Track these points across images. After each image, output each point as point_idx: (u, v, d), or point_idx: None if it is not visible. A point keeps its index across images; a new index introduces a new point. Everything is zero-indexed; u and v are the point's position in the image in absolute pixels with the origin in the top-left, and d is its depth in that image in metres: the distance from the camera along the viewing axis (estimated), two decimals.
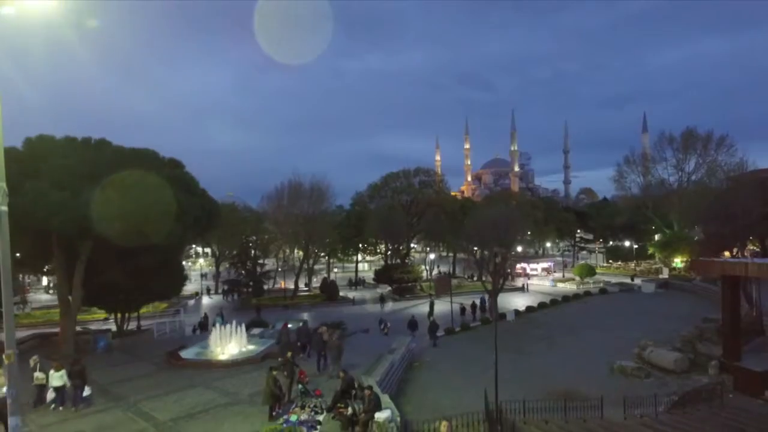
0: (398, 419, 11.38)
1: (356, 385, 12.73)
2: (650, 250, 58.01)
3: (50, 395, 14.05)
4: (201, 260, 72.30)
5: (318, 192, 50.69)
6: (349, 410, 11.40)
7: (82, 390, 14.08)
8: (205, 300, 52.92)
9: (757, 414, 16.65)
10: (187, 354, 20.92)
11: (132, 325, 28.97)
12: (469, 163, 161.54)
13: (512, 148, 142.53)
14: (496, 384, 14.22)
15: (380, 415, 10.92)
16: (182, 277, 29.30)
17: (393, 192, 65.04)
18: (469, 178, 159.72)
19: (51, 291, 51.24)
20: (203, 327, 30.89)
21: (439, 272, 65.31)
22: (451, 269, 65.69)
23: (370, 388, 11.61)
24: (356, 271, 67.84)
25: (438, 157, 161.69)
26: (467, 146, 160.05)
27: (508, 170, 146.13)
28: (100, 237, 20.98)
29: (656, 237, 61.98)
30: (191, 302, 49.79)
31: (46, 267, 29.43)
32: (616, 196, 67.29)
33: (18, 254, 24.48)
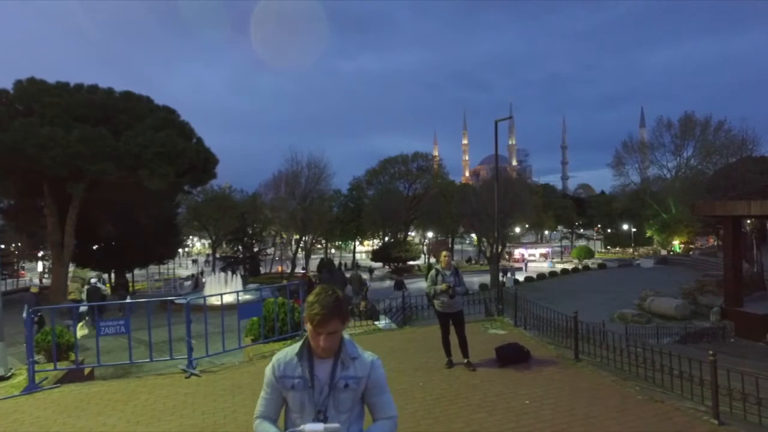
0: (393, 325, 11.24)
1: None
2: (648, 233, 57.76)
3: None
4: (197, 244, 71.77)
5: (315, 170, 50.22)
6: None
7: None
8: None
9: (758, 348, 16.44)
10: (180, 301, 20.62)
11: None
12: (467, 158, 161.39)
13: (510, 142, 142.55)
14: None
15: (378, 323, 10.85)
16: (178, 239, 28.98)
17: (391, 177, 64.82)
18: (468, 174, 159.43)
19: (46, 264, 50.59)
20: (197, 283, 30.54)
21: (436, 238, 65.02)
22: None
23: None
24: (354, 255, 67.44)
25: (436, 153, 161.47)
26: (465, 142, 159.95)
27: (507, 165, 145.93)
28: (94, 180, 20.65)
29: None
30: (188, 283, 49.45)
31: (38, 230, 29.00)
32: (614, 187, 67.29)
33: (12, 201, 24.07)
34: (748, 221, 38.21)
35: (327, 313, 1.97)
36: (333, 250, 71.42)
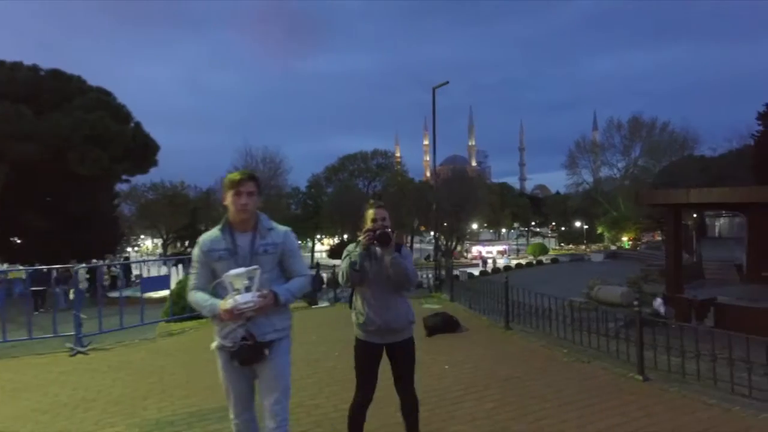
0: None
1: None
2: (599, 230, 59.67)
3: None
4: (148, 243, 68.57)
5: (271, 165, 48.85)
6: None
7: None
8: None
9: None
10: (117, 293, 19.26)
11: None
12: (427, 159, 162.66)
13: (470, 143, 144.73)
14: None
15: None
16: (116, 232, 27.19)
17: (350, 174, 64.11)
18: (428, 174, 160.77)
19: None
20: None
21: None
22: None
23: None
24: (312, 253, 66.27)
25: (398, 154, 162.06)
26: (426, 142, 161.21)
27: (467, 166, 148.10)
28: (17, 164, 18.96)
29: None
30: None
31: None
32: (567, 186, 69.25)
33: None
34: (691, 218, 40.07)
35: (246, 176, 2.37)
36: None
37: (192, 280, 2.43)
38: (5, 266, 21.61)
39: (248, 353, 2.30)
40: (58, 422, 3.87)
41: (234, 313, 2.18)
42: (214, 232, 2.43)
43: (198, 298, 2.37)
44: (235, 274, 2.20)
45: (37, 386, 4.82)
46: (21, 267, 22.11)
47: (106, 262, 17.72)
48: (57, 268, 9.79)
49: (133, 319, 7.25)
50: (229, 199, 2.34)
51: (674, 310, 19.92)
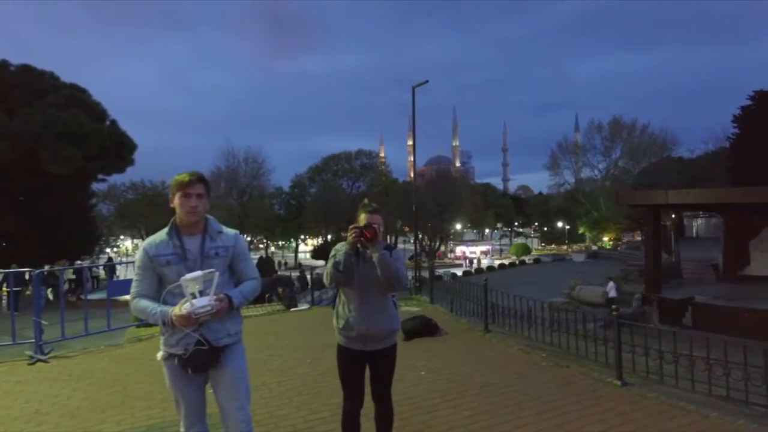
0: None
1: None
2: (581, 231, 60.40)
3: None
4: (128, 243, 67.24)
5: (254, 165, 48.16)
6: None
7: None
8: None
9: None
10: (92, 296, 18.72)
11: None
12: (412, 159, 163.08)
13: (454, 144, 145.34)
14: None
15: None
16: (93, 232, 26.46)
17: (334, 175, 63.71)
18: (413, 174, 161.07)
19: None
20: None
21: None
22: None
23: None
24: (296, 254, 65.78)
25: (383, 154, 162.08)
26: (410, 143, 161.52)
27: (451, 166, 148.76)
28: None
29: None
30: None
31: None
32: (550, 187, 69.98)
33: None
34: (669, 218, 40.83)
35: (194, 178, 2.24)
36: (272, 249, 69.26)
37: (135, 288, 2.27)
38: None
39: (204, 359, 2.23)
40: None
41: (191, 318, 2.10)
42: (160, 235, 2.30)
43: (144, 305, 2.23)
44: (191, 278, 2.12)
45: None
46: None
47: (63, 264, 17.15)
48: (29, 271, 9.41)
49: (100, 324, 6.96)
50: (176, 201, 2.24)
51: (651, 309, 20.24)
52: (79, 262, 23.41)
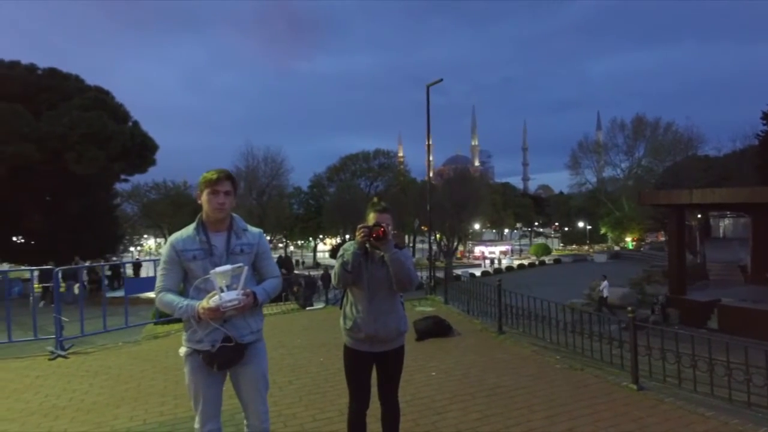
0: None
1: None
2: (603, 230, 59.23)
3: None
4: (151, 242, 68.70)
5: (273, 165, 48.60)
6: None
7: None
8: None
9: (700, 334, 16.62)
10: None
11: None
12: (431, 158, 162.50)
13: (473, 143, 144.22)
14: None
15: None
16: (116, 231, 27.08)
17: (352, 175, 63.86)
18: (431, 174, 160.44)
19: None
20: None
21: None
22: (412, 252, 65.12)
23: None
24: (315, 253, 66.20)
25: (401, 154, 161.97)
26: (428, 142, 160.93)
27: (470, 166, 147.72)
28: (15, 164, 18.84)
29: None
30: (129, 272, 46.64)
31: None
32: (570, 186, 68.82)
33: None
34: (695, 218, 39.78)
35: (222, 175, 2.30)
36: (292, 248, 69.83)
37: (160, 282, 2.31)
38: (6, 266, 21.63)
39: (230, 355, 2.27)
40: None
41: (219, 311, 2.13)
42: (187, 231, 2.35)
43: (170, 299, 2.26)
44: (221, 271, 2.15)
45: (11, 392, 4.66)
46: (25, 267, 22.05)
47: (76, 262, 17.59)
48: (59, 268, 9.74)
49: (119, 321, 7.11)
50: (204, 197, 2.29)
51: (678, 312, 19.72)
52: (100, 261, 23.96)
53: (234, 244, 2.34)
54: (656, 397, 4.14)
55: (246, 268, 2.23)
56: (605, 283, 21.25)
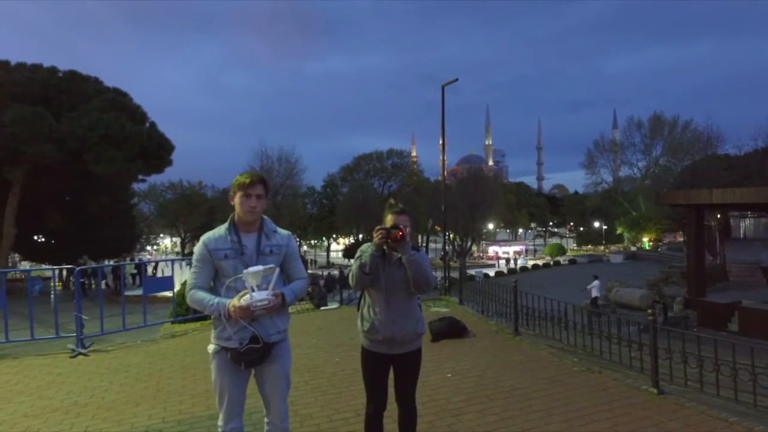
0: None
1: None
2: (619, 230, 58.39)
3: None
4: (166, 241, 69.69)
5: (287, 165, 48.83)
6: None
7: None
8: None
9: (719, 336, 16.29)
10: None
11: None
12: (444, 158, 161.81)
13: (487, 143, 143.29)
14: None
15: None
16: (133, 230, 27.55)
17: (365, 174, 63.95)
18: (443, 173, 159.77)
19: None
20: None
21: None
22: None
23: None
24: (328, 252, 66.45)
25: (414, 153, 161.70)
26: (443, 142, 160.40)
27: (483, 165, 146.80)
28: (36, 165, 19.26)
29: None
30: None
31: None
32: (586, 186, 67.84)
33: None
34: (714, 218, 38.99)
35: (255, 179, 2.38)
36: (305, 247, 70.19)
37: (192, 279, 2.39)
38: (27, 264, 22.11)
39: (257, 354, 2.33)
40: (47, 428, 3.78)
41: (249, 311, 2.20)
42: (219, 230, 2.44)
43: (201, 296, 2.34)
44: (253, 271, 2.21)
45: (34, 389, 4.76)
46: (46, 266, 22.47)
47: (84, 261, 17.88)
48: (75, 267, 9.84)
49: (138, 319, 7.21)
50: (237, 200, 2.38)
51: (697, 313, 19.35)
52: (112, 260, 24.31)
53: (264, 244, 2.41)
54: (677, 401, 4.07)
55: (277, 269, 2.30)
56: (596, 282, 21.02)
